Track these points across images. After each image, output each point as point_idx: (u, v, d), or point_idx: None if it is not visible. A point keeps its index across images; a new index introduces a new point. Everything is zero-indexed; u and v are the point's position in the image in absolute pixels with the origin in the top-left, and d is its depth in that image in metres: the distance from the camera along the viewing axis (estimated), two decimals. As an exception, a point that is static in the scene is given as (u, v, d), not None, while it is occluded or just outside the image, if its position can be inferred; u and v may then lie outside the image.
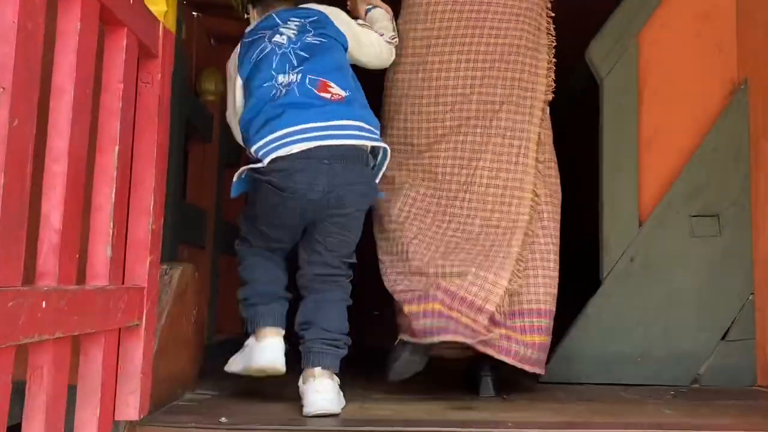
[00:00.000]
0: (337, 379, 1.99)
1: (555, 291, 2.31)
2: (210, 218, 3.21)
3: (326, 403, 1.90)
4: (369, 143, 2.04)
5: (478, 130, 2.33)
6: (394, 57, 2.36)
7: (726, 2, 2.81)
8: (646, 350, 2.62)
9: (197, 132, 3.05)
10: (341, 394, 2.00)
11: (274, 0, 2.29)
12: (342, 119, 2.00)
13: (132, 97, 1.59)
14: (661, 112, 2.75)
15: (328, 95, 2.03)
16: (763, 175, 2.61)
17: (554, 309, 2.31)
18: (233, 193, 2.03)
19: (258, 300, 2.10)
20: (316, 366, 1.96)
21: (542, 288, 2.28)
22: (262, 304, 2.09)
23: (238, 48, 2.22)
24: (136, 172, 1.64)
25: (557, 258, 2.33)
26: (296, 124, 1.95)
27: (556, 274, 2.32)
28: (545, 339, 2.28)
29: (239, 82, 2.13)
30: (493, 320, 2.18)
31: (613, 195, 2.69)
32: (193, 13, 3.25)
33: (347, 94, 2.05)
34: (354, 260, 2.13)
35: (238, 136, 2.18)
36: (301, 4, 2.30)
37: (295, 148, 1.93)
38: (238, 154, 3.60)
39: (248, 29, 2.27)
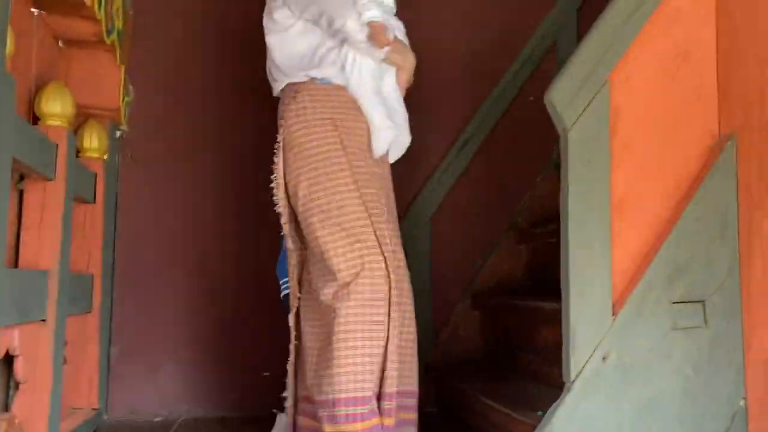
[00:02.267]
0: None
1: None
2: (52, 277, 2.47)
3: None
4: None
5: None
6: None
7: (706, 36, 2.32)
8: (623, 472, 2.10)
9: (34, 170, 2.33)
10: None
11: None
12: None
13: None
14: (634, 172, 2.22)
15: None
16: (759, 252, 2.15)
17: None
18: None
19: None
20: None
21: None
22: None
23: None
24: None
25: None
26: None
27: None
28: None
29: None
30: None
31: (582, 277, 2.13)
32: (33, 10, 2.57)
33: None
34: None
35: None
36: None
37: None
38: (90, 187, 3.01)
39: None
